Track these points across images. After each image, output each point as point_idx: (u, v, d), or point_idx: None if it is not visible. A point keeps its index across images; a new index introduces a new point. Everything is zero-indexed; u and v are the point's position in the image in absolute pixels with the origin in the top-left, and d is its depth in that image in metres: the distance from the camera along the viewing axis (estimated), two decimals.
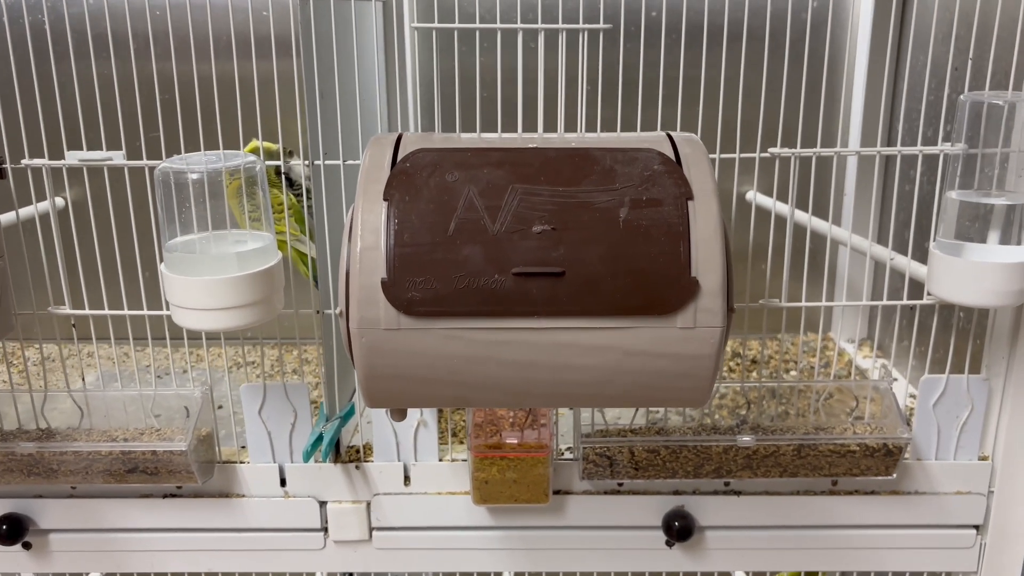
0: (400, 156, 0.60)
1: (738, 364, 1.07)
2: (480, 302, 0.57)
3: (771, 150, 0.74)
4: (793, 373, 1.05)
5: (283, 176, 0.79)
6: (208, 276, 0.67)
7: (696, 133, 0.73)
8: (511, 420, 0.80)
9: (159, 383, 0.97)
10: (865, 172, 1.06)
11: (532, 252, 0.57)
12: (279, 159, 0.79)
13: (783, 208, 0.90)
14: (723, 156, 0.74)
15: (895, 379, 0.98)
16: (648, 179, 0.59)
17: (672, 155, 0.61)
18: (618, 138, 0.64)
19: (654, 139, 0.63)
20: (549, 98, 0.72)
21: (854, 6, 1.02)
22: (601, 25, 0.71)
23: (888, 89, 1.00)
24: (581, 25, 0.71)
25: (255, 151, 0.79)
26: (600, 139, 0.63)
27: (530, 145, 0.62)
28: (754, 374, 1.05)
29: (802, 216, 0.86)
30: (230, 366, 1.05)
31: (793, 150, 0.73)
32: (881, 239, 1.03)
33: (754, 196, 0.93)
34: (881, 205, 1.03)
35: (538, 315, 0.57)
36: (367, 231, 0.57)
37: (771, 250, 0.77)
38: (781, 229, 0.79)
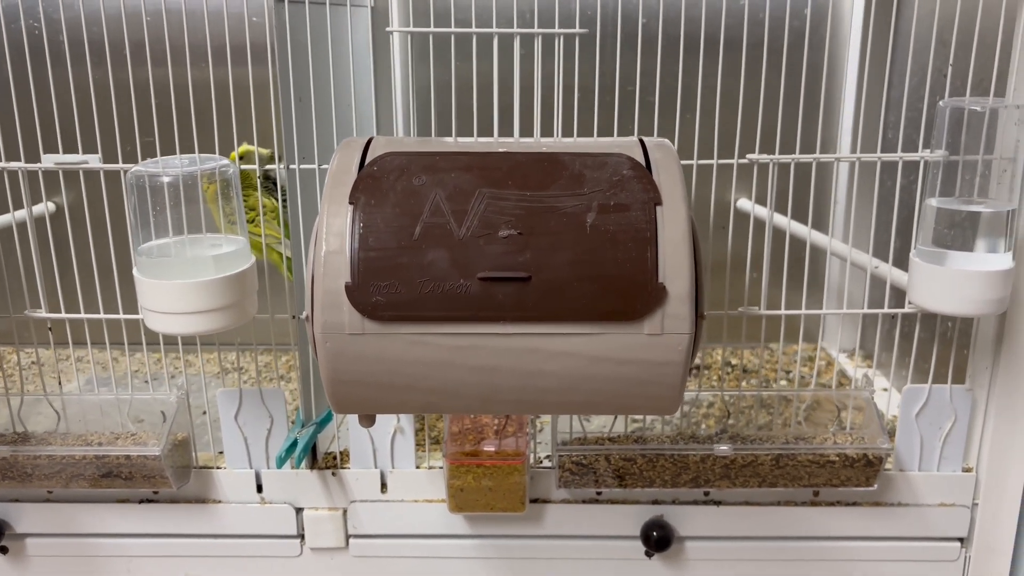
0: (368, 160, 0.60)
1: (728, 373, 1.07)
2: (445, 307, 0.56)
3: (749, 156, 0.73)
4: (783, 383, 1.04)
5: (261, 180, 0.78)
6: (179, 280, 0.67)
7: (674, 140, 0.72)
8: (495, 428, 0.80)
9: (145, 388, 0.97)
10: (858, 179, 1.04)
11: (498, 257, 0.56)
12: (270, 163, 0.79)
13: (775, 216, 0.89)
14: (701, 162, 0.74)
15: (885, 389, 0.97)
16: (617, 184, 0.59)
17: (643, 160, 0.60)
18: (590, 143, 0.63)
19: (626, 144, 0.62)
20: (531, 104, 0.71)
21: (836, 12, 1.01)
22: (577, 30, 0.70)
23: (879, 95, 0.99)
24: (557, 30, 0.70)
25: (245, 155, 0.78)
26: (571, 144, 0.63)
27: (500, 149, 0.62)
28: (744, 383, 1.04)
29: (793, 224, 0.85)
30: (218, 372, 1.05)
31: (772, 156, 0.73)
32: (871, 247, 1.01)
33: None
34: (875, 213, 1.02)
35: (504, 320, 0.57)
36: (331, 235, 0.57)
37: (749, 258, 0.76)
38: (776, 238, 0.78)
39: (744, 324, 0.77)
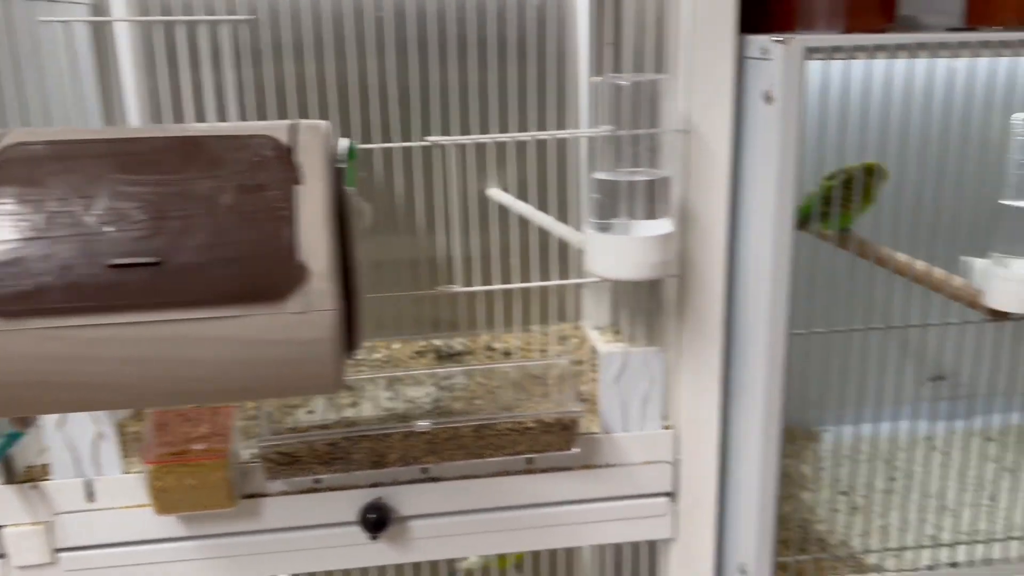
0: None
1: (489, 357, 1.09)
2: (74, 298, 0.55)
3: (428, 139, 0.75)
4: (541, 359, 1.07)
5: None
6: None
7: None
8: (200, 424, 0.78)
9: None
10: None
11: (128, 243, 0.55)
12: None
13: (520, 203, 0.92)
14: (378, 146, 0.75)
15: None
16: (256, 165, 0.59)
17: (290, 142, 0.60)
18: (237, 126, 0.63)
19: (274, 127, 0.62)
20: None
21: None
22: (245, 16, 0.70)
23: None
24: (224, 16, 0.70)
25: None
26: (217, 127, 0.62)
27: (143, 135, 0.60)
28: (500, 364, 1.07)
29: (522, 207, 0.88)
30: None
31: (447, 138, 0.75)
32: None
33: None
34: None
35: (139, 308, 0.55)
36: None
37: (462, 240, 0.78)
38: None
39: (461, 304, 0.79)
